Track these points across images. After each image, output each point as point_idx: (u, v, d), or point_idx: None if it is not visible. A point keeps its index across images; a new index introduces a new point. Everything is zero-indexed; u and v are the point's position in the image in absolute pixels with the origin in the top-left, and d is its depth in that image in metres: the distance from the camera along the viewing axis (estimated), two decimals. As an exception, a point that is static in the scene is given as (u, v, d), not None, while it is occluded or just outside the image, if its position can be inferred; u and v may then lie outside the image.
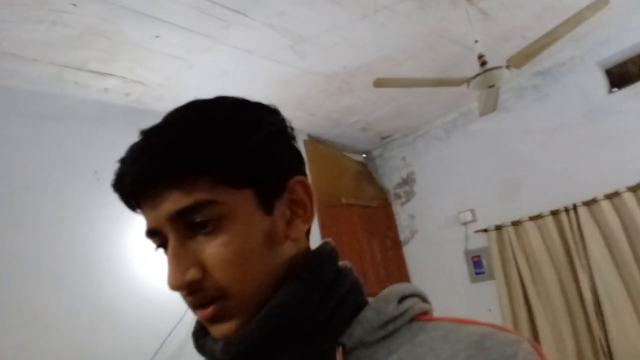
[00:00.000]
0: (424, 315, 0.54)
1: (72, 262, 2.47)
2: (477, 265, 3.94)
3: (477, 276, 3.92)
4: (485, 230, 3.78)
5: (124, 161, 0.50)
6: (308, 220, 0.55)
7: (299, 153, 0.58)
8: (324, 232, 3.76)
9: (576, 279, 3.25)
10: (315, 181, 3.88)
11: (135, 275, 2.63)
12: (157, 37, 2.41)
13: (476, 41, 2.47)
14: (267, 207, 0.51)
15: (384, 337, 0.50)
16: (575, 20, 2.20)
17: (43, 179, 2.50)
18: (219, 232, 0.48)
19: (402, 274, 4.29)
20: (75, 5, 2.10)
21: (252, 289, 0.49)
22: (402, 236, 4.43)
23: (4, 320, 2.21)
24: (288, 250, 0.53)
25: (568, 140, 3.43)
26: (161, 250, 0.52)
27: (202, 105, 0.54)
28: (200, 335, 0.54)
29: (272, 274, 0.50)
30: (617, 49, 3.23)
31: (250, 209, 0.50)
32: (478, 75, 2.39)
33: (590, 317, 3.14)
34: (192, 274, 0.48)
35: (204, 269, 0.48)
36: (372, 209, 4.30)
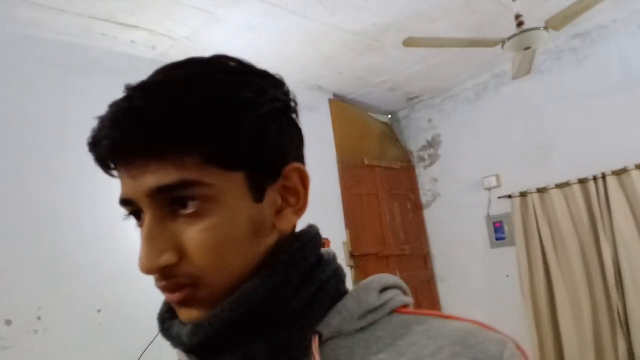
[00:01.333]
0: (404, 308, 0.51)
1: (96, 213, 2.52)
2: (497, 230, 3.92)
3: (497, 242, 3.91)
4: (510, 196, 3.74)
5: (102, 121, 0.44)
6: (299, 212, 0.50)
7: (300, 135, 0.53)
8: (344, 192, 3.76)
9: (599, 249, 3.22)
10: (338, 141, 3.86)
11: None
12: (185, -12, 2.36)
13: (514, 0, 2.36)
14: (257, 193, 0.47)
15: (363, 328, 0.48)
16: (622, -20, 2.07)
17: (69, 130, 2.52)
18: (203, 215, 0.44)
19: (421, 237, 4.29)
20: (103, -47, 2.06)
21: (227, 280, 0.45)
22: (424, 199, 4.41)
23: (33, 267, 2.29)
24: (272, 238, 0.49)
25: (603, 107, 3.31)
26: (132, 219, 0.49)
27: (199, 67, 0.47)
28: (167, 318, 0.50)
29: (250, 265, 0.46)
30: (663, 12, 3.07)
31: (239, 194, 0.45)
32: (514, 35, 2.30)
33: (610, 288, 3.13)
34: (167, 258, 0.44)
35: (180, 253, 0.44)
36: (394, 171, 4.27)
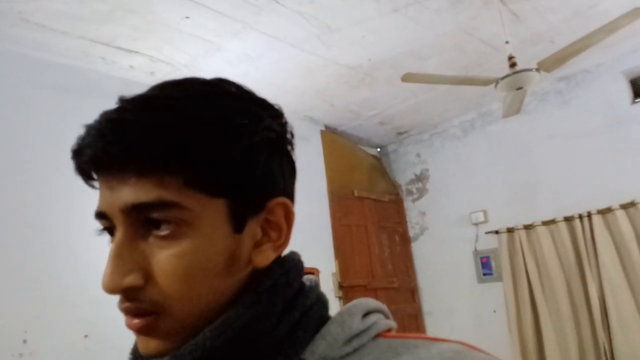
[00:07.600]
0: (388, 332, 0.49)
1: (85, 236, 2.48)
2: (485, 266, 3.94)
3: (484, 277, 3.93)
4: (497, 232, 3.78)
5: (89, 130, 0.43)
6: (279, 248, 0.48)
7: (292, 169, 0.51)
8: (334, 223, 3.77)
9: (585, 286, 3.26)
10: (329, 172, 3.89)
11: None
12: (187, 17, 2.41)
13: (507, 42, 2.46)
14: (238, 224, 0.45)
15: (348, 354, 0.45)
16: (609, 28, 2.18)
17: (64, 153, 2.49)
18: (176, 240, 0.42)
19: (409, 270, 4.30)
20: (110, -20, 2.10)
21: (193, 312, 0.43)
22: (412, 232, 4.43)
23: (21, 289, 2.23)
24: (246, 272, 0.46)
25: (587, 148, 3.41)
26: (106, 234, 0.47)
27: (197, 88, 0.46)
28: (140, 353, 0.47)
29: (220, 299, 0.44)
30: (644, 59, 3.21)
31: (218, 222, 0.43)
32: (507, 76, 2.37)
33: (596, 324, 3.16)
34: (132, 279, 0.42)
35: (147, 276, 0.42)
36: (383, 204, 4.31)
